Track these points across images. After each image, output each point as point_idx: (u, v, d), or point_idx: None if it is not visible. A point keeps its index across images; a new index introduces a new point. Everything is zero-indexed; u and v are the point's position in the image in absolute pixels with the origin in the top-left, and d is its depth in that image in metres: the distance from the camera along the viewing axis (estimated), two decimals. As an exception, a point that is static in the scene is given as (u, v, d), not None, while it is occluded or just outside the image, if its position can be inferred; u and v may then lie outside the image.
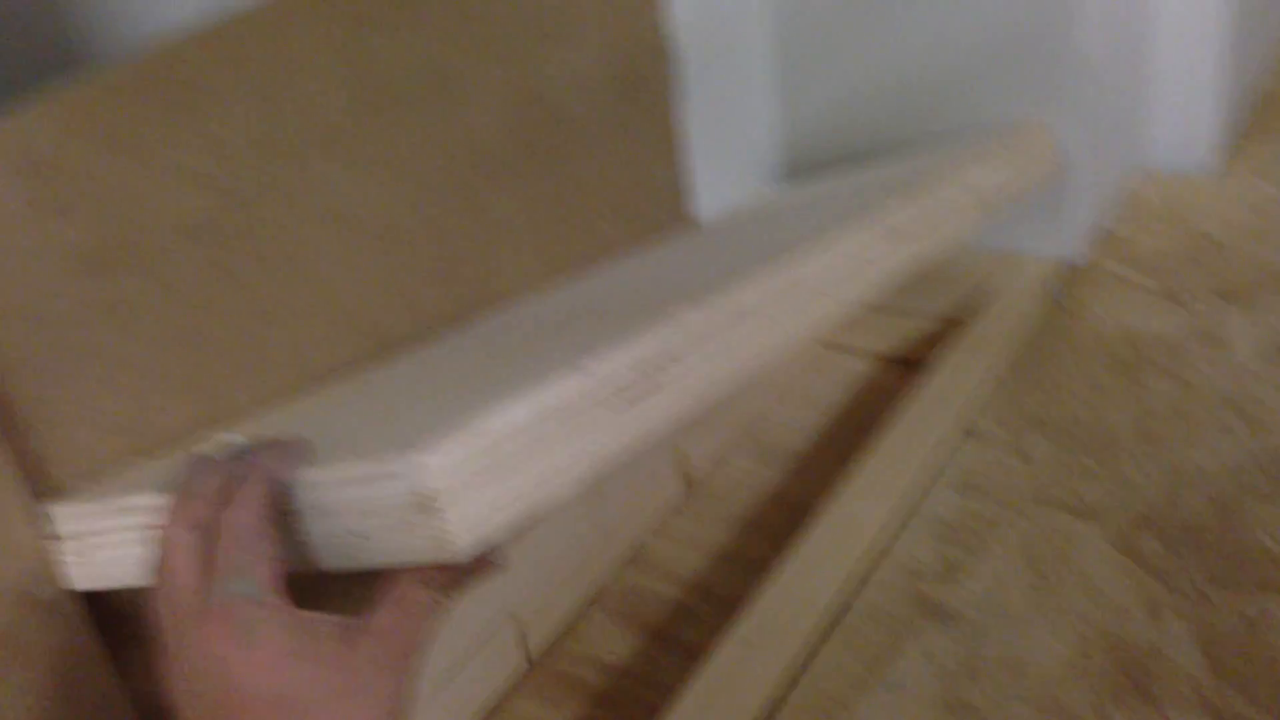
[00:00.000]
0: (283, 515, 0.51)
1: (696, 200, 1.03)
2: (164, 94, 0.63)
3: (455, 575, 0.49)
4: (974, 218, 0.84)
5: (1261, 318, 0.94)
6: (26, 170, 0.57)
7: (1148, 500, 0.80)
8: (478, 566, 0.49)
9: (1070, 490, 0.81)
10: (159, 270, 0.64)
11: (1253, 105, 1.27)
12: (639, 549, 0.96)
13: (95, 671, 0.61)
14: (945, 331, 1.04)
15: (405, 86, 0.75)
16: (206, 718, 0.47)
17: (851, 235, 0.71)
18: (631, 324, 0.58)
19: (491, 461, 0.48)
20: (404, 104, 0.75)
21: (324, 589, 0.54)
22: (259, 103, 0.67)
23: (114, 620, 0.63)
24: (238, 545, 0.48)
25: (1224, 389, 0.88)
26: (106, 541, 0.59)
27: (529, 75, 0.83)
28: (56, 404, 0.60)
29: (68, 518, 0.60)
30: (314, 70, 0.70)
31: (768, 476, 1.01)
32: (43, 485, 0.61)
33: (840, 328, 0.73)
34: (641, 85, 0.93)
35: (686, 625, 0.89)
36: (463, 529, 0.47)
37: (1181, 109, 1.14)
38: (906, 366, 1.09)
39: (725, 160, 1.08)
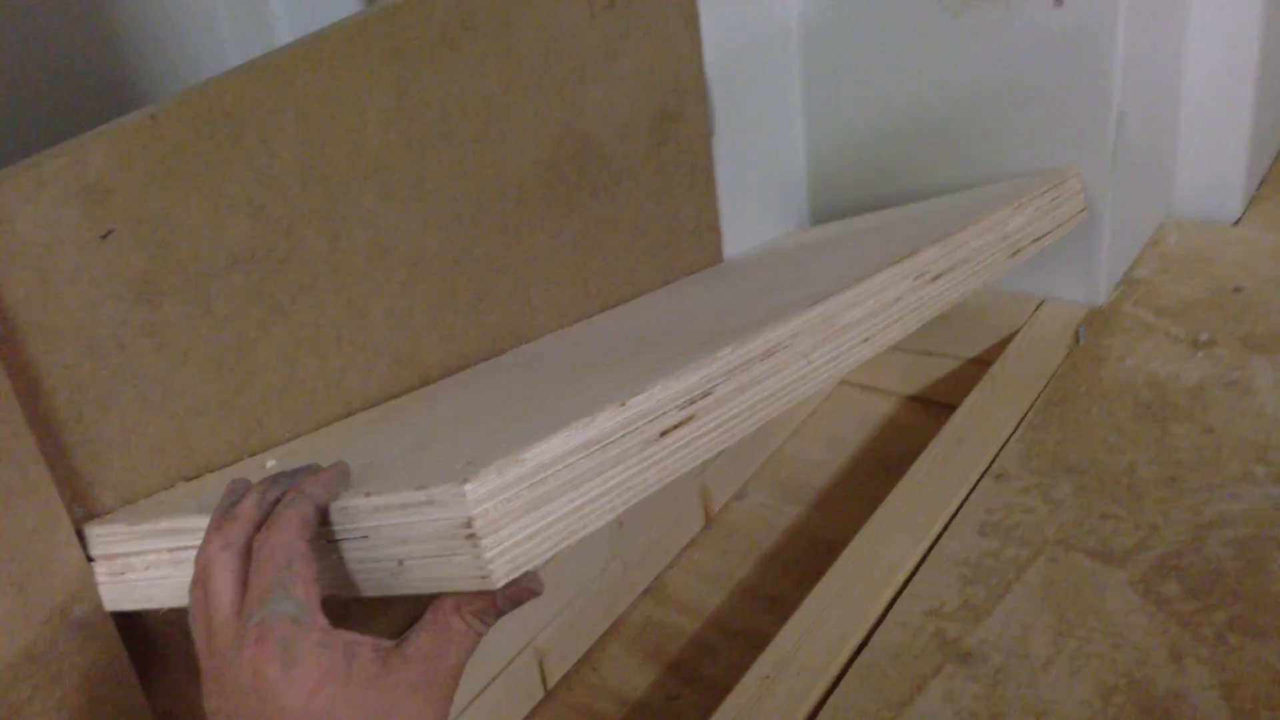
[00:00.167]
0: (321, 540, 0.52)
1: (726, 238, 1.04)
2: (213, 125, 0.64)
3: (491, 602, 0.50)
4: (1004, 261, 0.85)
5: (1286, 366, 0.95)
6: (79, 197, 0.59)
7: (1171, 545, 0.80)
8: (513, 594, 0.50)
9: (1094, 534, 0.81)
10: (203, 296, 0.65)
11: (1278, 156, 1.28)
12: (659, 582, 0.96)
13: (126, 692, 0.62)
14: (970, 373, 1.05)
15: (448, 122, 0.76)
16: (242, 738, 0.47)
17: (884, 276, 0.72)
18: (669, 360, 0.59)
19: (529, 491, 0.49)
20: (446, 139, 0.76)
21: (361, 616, 0.54)
22: (305, 135, 0.68)
23: (144, 643, 0.64)
24: (276, 565, 0.48)
25: (1248, 436, 0.88)
26: (142, 563, 0.60)
27: (567, 113, 0.84)
28: (98, 426, 0.61)
29: (105, 539, 0.61)
30: (359, 104, 0.71)
31: (789, 513, 1.02)
32: (82, 506, 0.61)
33: (863, 366, 0.74)
34: (675, 124, 0.94)
35: (704, 659, 0.89)
36: (500, 557, 0.48)
37: (1209, 158, 1.15)
38: (929, 407, 1.10)
39: (755, 199, 1.09)
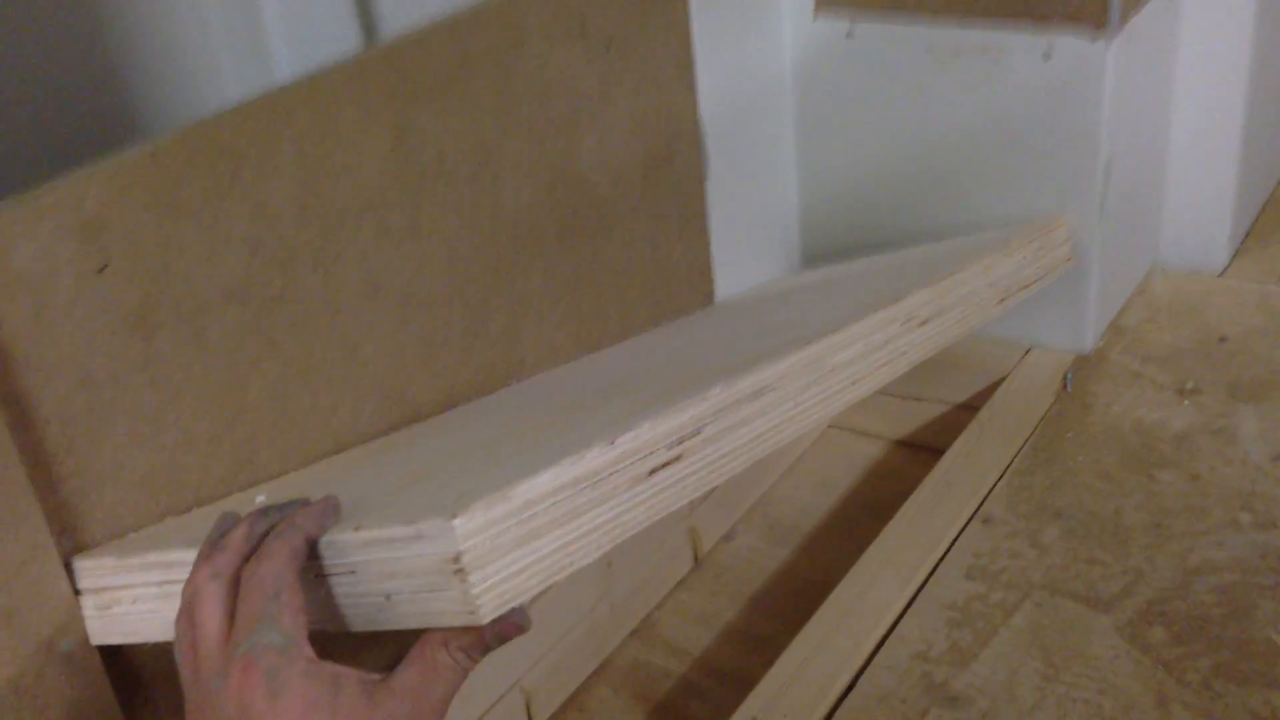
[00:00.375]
0: (309, 574, 0.52)
1: (718, 281, 1.05)
2: (210, 161, 0.65)
3: (479, 638, 0.50)
4: (991, 307, 0.86)
5: (1271, 414, 0.95)
6: (76, 231, 0.59)
7: (1157, 591, 0.80)
8: (501, 629, 0.50)
9: (1080, 578, 0.82)
10: (197, 331, 0.65)
11: (1264, 207, 1.29)
12: (647, 623, 0.96)
13: (109, 726, 0.62)
14: (958, 418, 1.05)
15: (444, 162, 0.77)
16: (228, 770, 0.47)
17: (873, 319, 0.73)
18: (658, 399, 0.59)
19: (517, 527, 0.49)
20: (442, 178, 0.77)
21: (348, 651, 0.54)
22: (302, 172, 0.69)
23: (129, 678, 0.64)
24: (263, 595, 0.48)
25: (1233, 483, 0.89)
26: (130, 596, 0.59)
27: (562, 155, 0.85)
28: (89, 459, 0.61)
29: (93, 572, 0.60)
30: (356, 142, 0.72)
31: (777, 555, 1.02)
32: (70, 539, 0.61)
33: (852, 410, 0.74)
34: (669, 168, 0.95)
35: (692, 701, 0.89)
36: (487, 592, 0.48)
37: (1195, 208, 1.16)
38: (918, 451, 1.10)
39: (747, 243, 1.10)
